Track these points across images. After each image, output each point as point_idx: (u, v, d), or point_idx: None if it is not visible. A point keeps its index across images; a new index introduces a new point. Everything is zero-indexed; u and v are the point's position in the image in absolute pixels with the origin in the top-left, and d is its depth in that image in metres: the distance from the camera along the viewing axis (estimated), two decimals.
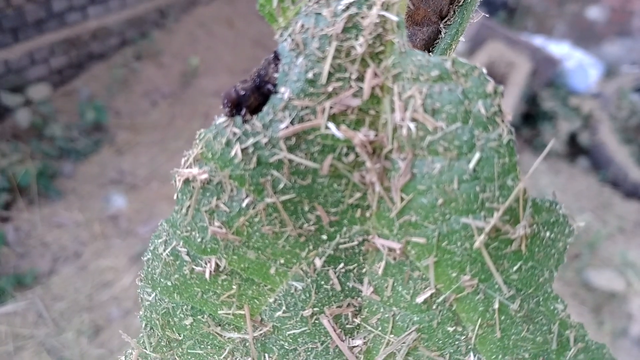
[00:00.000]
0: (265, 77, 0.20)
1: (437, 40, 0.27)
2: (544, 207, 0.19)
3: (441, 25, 0.27)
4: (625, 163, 2.87)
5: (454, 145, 0.19)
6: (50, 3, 3.09)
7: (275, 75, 0.20)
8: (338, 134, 0.20)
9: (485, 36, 3.68)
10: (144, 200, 2.47)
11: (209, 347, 0.24)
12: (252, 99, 0.21)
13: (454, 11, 0.27)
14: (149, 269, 0.23)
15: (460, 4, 0.27)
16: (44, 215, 2.23)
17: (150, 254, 0.23)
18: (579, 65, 3.53)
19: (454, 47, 0.27)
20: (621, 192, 2.87)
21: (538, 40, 3.66)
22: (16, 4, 2.85)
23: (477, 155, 0.19)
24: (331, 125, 0.20)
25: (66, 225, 2.21)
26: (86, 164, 2.58)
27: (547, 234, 0.19)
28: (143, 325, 0.25)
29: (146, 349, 0.25)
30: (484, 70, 0.19)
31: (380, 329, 0.22)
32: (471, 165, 0.19)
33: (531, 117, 3.15)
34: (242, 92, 0.20)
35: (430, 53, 0.27)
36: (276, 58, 0.21)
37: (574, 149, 3.08)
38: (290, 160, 0.20)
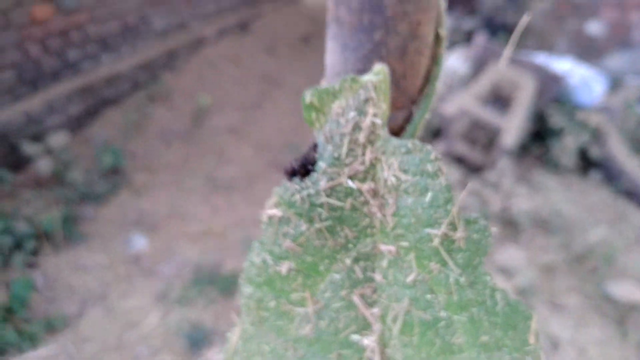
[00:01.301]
0: (310, 159, 0.36)
1: (410, 118, 0.43)
2: (471, 219, 0.34)
3: (413, 108, 0.43)
4: (637, 173, 2.96)
5: (417, 189, 0.35)
6: (66, 53, 3.27)
7: (315, 156, 0.36)
8: (354, 185, 0.35)
9: (488, 58, 3.82)
10: (164, 239, 2.57)
11: (285, 319, 0.39)
12: (302, 171, 0.36)
13: (421, 98, 0.43)
14: (247, 273, 0.39)
15: (425, 93, 0.43)
16: (69, 259, 2.34)
17: (248, 262, 0.39)
18: (583, 80, 3.64)
19: (421, 120, 0.43)
20: (635, 202, 2.94)
21: (540, 58, 3.80)
22: (34, 56, 3.04)
23: (430, 194, 0.34)
24: (349, 181, 0.35)
25: (91, 268, 2.32)
26: (106, 207, 2.70)
27: (475, 235, 0.34)
28: (243, 310, 0.40)
29: (245, 325, 0.40)
30: (430, 147, 0.34)
31: (388, 300, 0.37)
32: (427, 199, 0.35)
33: (539, 135, 3.27)
34: (296, 167, 0.36)
35: (407, 125, 0.43)
36: (315, 147, 0.37)
37: (585, 163, 3.18)
38: (328, 203, 0.36)
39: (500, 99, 3.31)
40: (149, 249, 2.47)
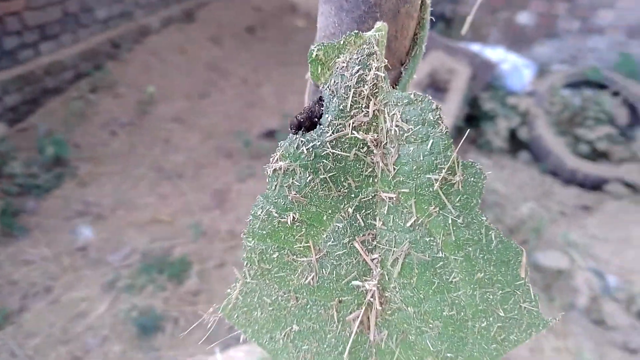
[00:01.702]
0: (315, 112, 0.38)
1: (400, 78, 0.45)
2: (468, 164, 0.37)
3: (402, 69, 0.45)
4: (562, 153, 3.16)
5: (418, 137, 0.37)
6: (1, 41, 3.10)
7: (320, 110, 0.38)
8: (359, 136, 0.37)
9: (427, 47, 3.92)
10: (111, 229, 2.50)
11: (288, 270, 0.41)
12: (307, 123, 0.38)
13: (409, 59, 0.45)
14: (250, 226, 0.40)
15: (413, 54, 0.45)
16: (10, 253, 2.24)
17: (251, 216, 0.40)
18: (514, 67, 3.84)
19: (410, 80, 0.45)
20: (560, 180, 3.15)
21: (475, 47, 3.96)
22: None
23: (430, 141, 0.37)
24: (354, 132, 0.37)
25: (34, 262, 2.23)
26: (49, 199, 2.60)
27: (472, 179, 0.37)
28: (245, 264, 0.41)
29: (247, 279, 0.41)
30: (430, 97, 0.36)
31: (387, 245, 0.40)
32: (428, 146, 0.37)
33: (474, 118, 3.41)
34: (301, 119, 0.38)
35: (396, 86, 0.45)
36: (319, 100, 0.38)
37: (515, 144, 3.36)
38: (333, 153, 0.38)
39: (438, 84, 3.42)
40: (96, 240, 2.39)
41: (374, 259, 0.40)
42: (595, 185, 3.00)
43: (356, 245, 0.40)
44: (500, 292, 0.39)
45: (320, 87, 0.38)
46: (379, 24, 0.37)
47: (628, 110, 3.41)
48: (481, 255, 0.38)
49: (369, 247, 0.40)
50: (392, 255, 0.40)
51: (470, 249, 0.38)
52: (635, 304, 2.16)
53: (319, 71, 0.37)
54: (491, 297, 0.39)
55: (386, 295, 0.41)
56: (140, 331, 1.93)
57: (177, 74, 4.11)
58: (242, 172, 3.02)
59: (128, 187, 2.81)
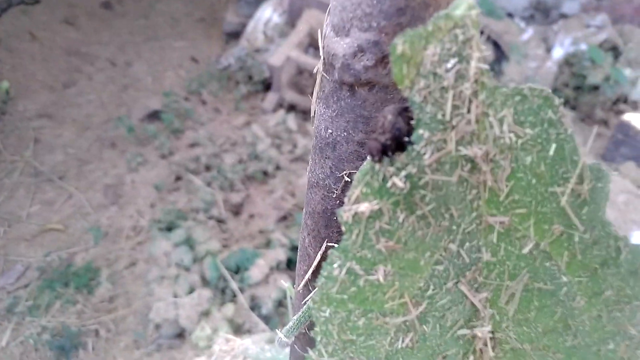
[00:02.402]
0: (401, 128, 0.27)
1: None
2: (594, 168, 0.29)
3: None
4: None
5: (537, 142, 0.28)
6: None
7: (406, 125, 0.27)
8: (467, 152, 0.28)
9: (301, 6, 3.83)
10: None
11: (377, 336, 0.31)
12: (393, 146, 0.28)
13: None
14: (324, 291, 0.29)
15: None
16: None
17: (324, 279, 0.29)
18: None
19: None
20: None
21: None
22: None
23: (553, 146, 0.28)
24: (461, 148, 0.27)
25: None
26: None
27: (599, 184, 0.30)
28: (319, 339, 0.30)
29: (324, 357, 0.31)
30: (549, 90, 0.28)
31: (498, 280, 0.31)
32: (550, 152, 0.29)
33: None
34: (388, 142, 0.27)
35: None
36: (402, 111, 0.28)
37: None
38: (433, 180, 0.28)
39: (317, 45, 3.34)
40: None
41: (482, 300, 0.32)
42: None
43: (462, 287, 0.31)
44: (629, 306, 0.33)
45: (406, 93, 0.27)
46: (460, 1, 0.28)
47: (492, 47, 3.61)
48: (609, 271, 0.31)
49: (474, 285, 0.32)
50: (506, 290, 0.31)
51: (597, 266, 0.31)
52: None
53: (404, 71, 0.27)
54: (619, 314, 0.33)
55: (497, 336, 0.33)
56: (57, 354, 1.73)
57: (32, 64, 3.62)
58: (132, 161, 2.76)
59: (4, 199, 2.46)
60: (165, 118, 3.05)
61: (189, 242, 2.23)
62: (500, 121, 0.28)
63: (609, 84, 3.39)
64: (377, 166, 0.28)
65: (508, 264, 0.31)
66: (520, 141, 0.28)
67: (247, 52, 3.56)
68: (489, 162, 0.29)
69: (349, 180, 0.38)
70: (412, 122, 0.28)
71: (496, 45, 3.67)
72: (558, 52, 3.58)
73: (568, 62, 3.51)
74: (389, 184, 0.27)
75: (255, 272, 2.09)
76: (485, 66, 0.27)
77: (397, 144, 0.28)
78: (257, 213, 2.53)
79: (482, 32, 3.65)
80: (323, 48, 0.36)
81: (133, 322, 2.02)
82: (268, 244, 2.29)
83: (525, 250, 0.31)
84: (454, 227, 0.30)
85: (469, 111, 0.28)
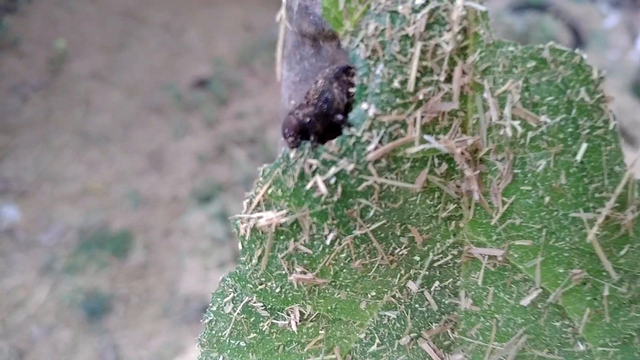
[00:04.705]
0: (333, 101, 0.17)
1: None
2: None
3: None
4: None
5: (558, 138, 0.18)
6: None
7: (344, 96, 0.17)
8: (439, 146, 0.17)
9: None
10: (38, 206, 2.26)
11: None
12: (318, 126, 0.17)
13: None
14: (213, 332, 0.20)
15: None
16: None
17: (212, 314, 0.20)
18: None
19: None
20: None
21: None
22: None
23: (584, 146, 0.18)
24: (429, 137, 0.17)
25: None
26: None
27: None
28: None
29: None
30: (585, 56, 0.17)
31: (481, 338, 0.21)
32: (578, 156, 0.18)
33: None
34: (307, 119, 0.17)
35: None
36: (340, 74, 0.17)
37: None
38: (381, 184, 0.18)
39: None
40: (23, 220, 2.09)
41: None
42: None
43: (423, 345, 0.21)
44: None
45: (345, 42, 0.17)
46: None
47: (569, 33, 3.36)
48: None
49: (444, 342, 0.22)
50: (491, 355, 0.21)
51: (634, 333, 0.21)
52: None
53: (341, 5, 0.16)
54: None
55: None
56: (89, 314, 1.76)
57: (89, 25, 3.62)
58: (177, 129, 2.74)
59: (51, 158, 2.49)
60: (213, 87, 3.00)
61: (224, 216, 2.20)
62: (501, 100, 0.17)
63: None
64: (292, 155, 0.17)
65: (498, 317, 0.21)
66: (530, 134, 0.18)
67: None
68: (478, 163, 0.18)
69: None
70: (353, 92, 0.17)
71: (574, 31, 3.40)
72: None
73: None
74: (308, 185, 0.17)
75: None
76: (482, 7, 0.17)
77: (325, 124, 0.17)
78: None
79: (557, 16, 3.40)
80: None
81: (163, 292, 2.02)
82: None
83: (526, 301, 0.20)
84: (416, 258, 0.20)
85: (448, 79, 0.17)
